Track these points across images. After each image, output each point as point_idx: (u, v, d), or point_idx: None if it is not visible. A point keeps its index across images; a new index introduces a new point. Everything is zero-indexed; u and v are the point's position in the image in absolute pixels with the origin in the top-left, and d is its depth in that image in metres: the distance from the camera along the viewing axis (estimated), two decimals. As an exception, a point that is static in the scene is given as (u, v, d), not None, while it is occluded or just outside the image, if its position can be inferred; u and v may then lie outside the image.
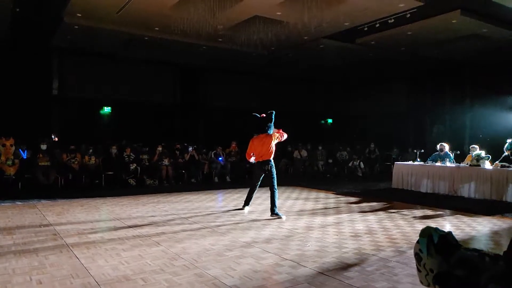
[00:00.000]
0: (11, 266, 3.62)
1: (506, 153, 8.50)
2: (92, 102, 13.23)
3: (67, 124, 12.77)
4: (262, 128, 6.36)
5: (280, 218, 6.04)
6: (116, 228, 5.26)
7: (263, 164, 6.36)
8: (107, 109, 13.54)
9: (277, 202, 6.29)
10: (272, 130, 6.38)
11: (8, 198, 7.62)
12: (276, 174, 6.49)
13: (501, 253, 1.73)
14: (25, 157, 9.51)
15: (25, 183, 9.16)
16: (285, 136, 6.55)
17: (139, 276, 3.38)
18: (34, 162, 9.35)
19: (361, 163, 13.31)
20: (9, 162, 9.00)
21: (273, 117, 6.34)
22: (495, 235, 5.13)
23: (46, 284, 3.18)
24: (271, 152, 6.36)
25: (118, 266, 3.64)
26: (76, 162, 9.94)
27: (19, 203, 7.23)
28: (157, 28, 10.57)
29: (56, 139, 11.57)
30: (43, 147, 9.56)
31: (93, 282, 3.21)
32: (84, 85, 13.00)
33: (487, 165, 8.42)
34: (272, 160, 6.40)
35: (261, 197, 7.96)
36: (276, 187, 6.30)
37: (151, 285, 3.17)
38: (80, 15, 9.52)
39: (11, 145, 9.12)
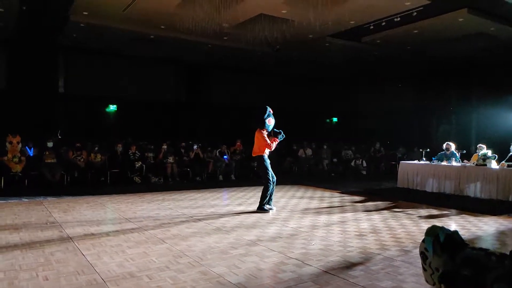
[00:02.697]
0: (18, 262, 3.65)
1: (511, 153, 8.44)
2: (98, 100, 13.29)
3: (73, 122, 12.84)
4: (257, 123, 6.45)
5: (267, 212, 6.28)
6: (121, 226, 5.29)
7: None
8: (112, 107, 13.60)
9: (268, 198, 6.43)
10: (269, 127, 6.41)
11: (15, 195, 7.67)
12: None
13: (507, 253, 1.72)
14: (31, 155, 9.59)
15: (32, 180, 9.23)
16: (271, 147, 6.47)
17: (144, 273, 3.39)
18: (41, 159, 9.42)
19: (364, 161, 13.25)
20: (16, 159, 9.07)
21: (267, 112, 6.35)
22: (501, 235, 5.09)
23: (52, 280, 3.21)
24: (259, 149, 6.40)
25: (123, 263, 3.66)
26: (82, 160, 10.00)
27: (26, 200, 7.29)
28: (162, 26, 10.59)
29: (60, 136, 11.65)
30: (50, 144, 9.63)
31: (98, 279, 3.23)
32: (90, 83, 13.06)
33: (494, 164, 8.35)
34: (263, 156, 6.40)
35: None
36: (268, 182, 6.36)
37: (156, 282, 3.18)
38: (86, 13, 9.56)
39: (18, 143, 9.20)
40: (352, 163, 13.34)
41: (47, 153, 9.48)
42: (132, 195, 8.07)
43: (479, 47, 11.59)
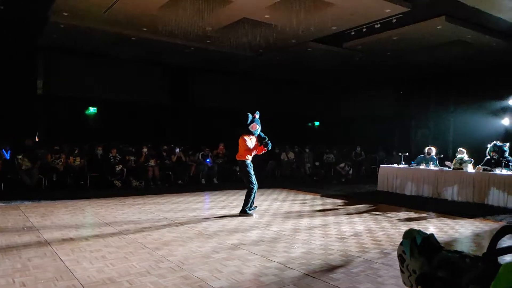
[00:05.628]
0: (-7, 268, 3.56)
1: (488, 157, 8.68)
2: (78, 101, 13.05)
3: (52, 124, 12.58)
4: (242, 127, 6.51)
5: (250, 216, 6.33)
6: (101, 230, 5.21)
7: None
8: (92, 109, 13.38)
9: (250, 202, 6.48)
10: (254, 132, 6.45)
11: (-10, 199, 7.47)
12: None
13: (481, 255, 1.78)
14: (8, 158, 9.34)
15: (8, 184, 8.99)
16: (252, 152, 6.49)
17: (124, 278, 3.35)
18: (18, 162, 9.18)
19: (351, 168, 13.32)
20: (-8, 163, 8.83)
21: (249, 119, 6.40)
22: (477, 237, 5.24)
23: (29, 286, 3.14)
24: (243, 154, 6.44)
25: (104, 268, 3.61)
26: (61, 163, 9.80)
27: (2, 204, 7.09)
28: (145, 29, 10.50)
29: (37, 139, 11.37)
30: (19, 156, 9.35)
31: (77, 285, 3.18)
32: (70, 85, 12.81)
33: (470, 168, 8.59)
34: (246, 161, 6.44)
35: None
36: (251, 186, 6.42)
37: (137, 287, 3.15)
38: (66, 14, 9.40)
39: (-6, 145, 8.96)
40: (338, 167, 13.39)
41: (23, 156, 9.23)
42: (113, 199, 7.95)
43: (456, 54, 11.91)
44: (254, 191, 6.46)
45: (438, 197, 8.78)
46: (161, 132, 14.37)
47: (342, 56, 12.88)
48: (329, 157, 14.37)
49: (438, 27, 9.84)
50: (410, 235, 1.94)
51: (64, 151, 10.21)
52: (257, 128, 6.47)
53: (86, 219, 6.04)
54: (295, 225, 5.75)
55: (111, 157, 10.40)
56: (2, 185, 8.93)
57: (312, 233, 5.21)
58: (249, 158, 6.47)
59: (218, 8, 8.84)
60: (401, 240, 2.09)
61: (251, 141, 6.46)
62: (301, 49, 12.18)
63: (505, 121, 12.74)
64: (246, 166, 6.42)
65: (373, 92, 16.91)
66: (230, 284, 3.27)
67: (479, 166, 8.56)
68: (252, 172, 6.45)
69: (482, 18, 9.33)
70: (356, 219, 6.29)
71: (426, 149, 9.99)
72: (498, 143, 8.63)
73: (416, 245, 1.88)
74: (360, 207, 7.53)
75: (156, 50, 12.52)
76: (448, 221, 6.20)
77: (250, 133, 6.45)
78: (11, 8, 9.14)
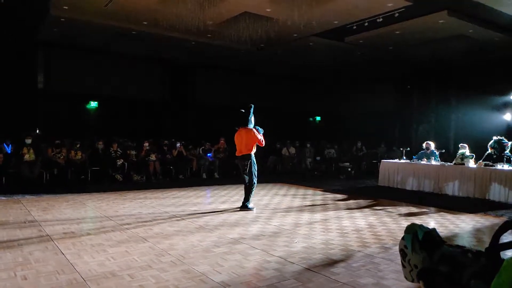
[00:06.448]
0: (-5, 262, 3.57)
1: (489, 151, 8.65)
2: (78, 96, 13.02)
3: (52, 118, 12.56)
4: (241, 122, 6.46)
5: (250, 210, 6.34)
6: (102, 224, 5.22)
7: (242, 159, 6.44)
8: (93, 104, 13.36)
9: (251, 197, 6.50)
10: (252, 125, 6.46)
11: (-8, 193, 7.48)
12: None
13: (483, 250, 1.78)
14: (9, 152, 9.36)
15: (9, 178, 9.00)
16: (263, 143, 6.54)
17: (126, 272, 3.36)
18: (19, 156, 9.19)
19: (353, 169, 13.23)
20: (-7, 157, 8.83)
21: (251, 111, 6.42)
22: (477, 233, 5.24)
23: (31, 280, 3.15)
24: (250, 148, 6.41)
25: (105, 262, 3.62)
26: (62, 157, 9.81)
27: (3, 198, 7.11)
28: (145, 22, 10.45)
29: (38, 131, 11.38)
30: (28, 141, 9.40)
31: (79, 278, 3.19)
32: (71, 79, 12.80)
33: (471, 164, 8.57)
34: (253, 156, 6.43)
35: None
36: (254, 181, 6.42)
37: (138, 281, 3.16)
38: (66, 7, 9.35)
39: (-5, 139, 8.96)
40: (341, 164, 13.31)
41: (25, 150, 9.25)
42: (114, 194, 7.97)
43: (458, 49, 11.85)
44: (255, 186, 6.47)
45: (439, 192, 8.77)
46: (161, 127, 14.36)
47: (344, 51, 12.83)
48: (330, 152, 14.36)
49: (440, 22, 9.78)
50: (412, 229, 1.94)
51: (65, 145, 10.21)
52: (253, 121, 6.51)
53: (87, 213, 6.05)
54: (296, 219, 5.75)
55: (112, 152, 10.41)
56: (4, 179, 8.94)
57: (313, 228, 5.21)
58: (254, 151, 6.47)
59: (219, 2, 8.79)
60: (403, 234, 2.09)
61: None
62: (303, 43, 12.13)
63: (507, 116, 12.68)
64: (253, 159, 6.42)
65: (374, 87, 16.85)
66: (230, 278, 3.28)
67: (480, 161, 8.54)
68: (256, 167, 6.48)
69: (485, 13, 9.27)
70: (357, 214, 6.29)
71: (424, 144, 9.99)
72: (504, 141, 8.55)
73: (418, 240, 1.88)
74: (361, 202, 7.53)
75: (157, 45, 12.47)
76: (449, 216, 6.20)
77: (251, 125, 6.43)
78: (11, 2, 9.10)
